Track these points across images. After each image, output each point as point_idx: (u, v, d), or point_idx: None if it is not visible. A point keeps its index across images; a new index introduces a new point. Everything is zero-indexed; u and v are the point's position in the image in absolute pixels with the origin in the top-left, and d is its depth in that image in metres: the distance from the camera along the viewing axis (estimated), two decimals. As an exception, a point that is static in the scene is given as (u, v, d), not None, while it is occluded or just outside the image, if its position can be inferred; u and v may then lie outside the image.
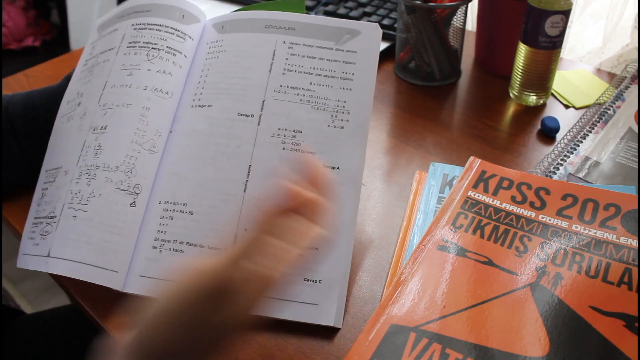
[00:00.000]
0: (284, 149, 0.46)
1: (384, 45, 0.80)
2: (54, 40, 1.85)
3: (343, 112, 0.48)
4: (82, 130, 0.49)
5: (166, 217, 0.46)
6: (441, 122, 0.66)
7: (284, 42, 0.50)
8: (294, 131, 0.47)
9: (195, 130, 0.48)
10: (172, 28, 0.52)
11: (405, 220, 0.51)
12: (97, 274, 0.44)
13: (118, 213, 0.46)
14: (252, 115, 0.48)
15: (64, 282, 0.48)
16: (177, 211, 0.46)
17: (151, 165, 0.47)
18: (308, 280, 0.43)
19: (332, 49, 0.50)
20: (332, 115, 0.48)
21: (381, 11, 0.84)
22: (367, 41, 0.50)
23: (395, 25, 0.76)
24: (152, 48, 0.51)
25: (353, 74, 0.49)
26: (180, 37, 0.52)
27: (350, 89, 0.48)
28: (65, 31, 1.78)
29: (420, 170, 0.56)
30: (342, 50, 0.50)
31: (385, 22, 0.82)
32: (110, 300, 0.46)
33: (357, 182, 0.46)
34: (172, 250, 0.45)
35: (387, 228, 0.51)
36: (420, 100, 0.70)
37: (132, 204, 0.46)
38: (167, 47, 0.51)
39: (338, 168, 0.46)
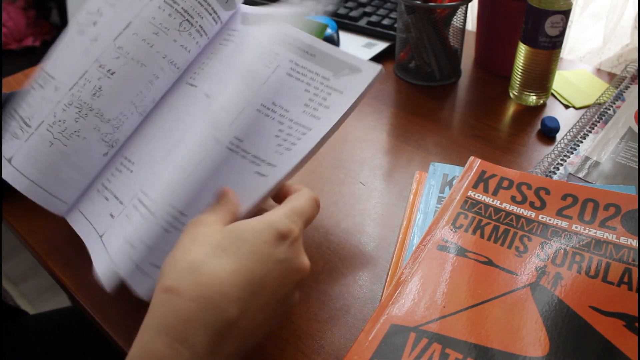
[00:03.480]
0: (227, 148, 0.45)
1: (384, 45, 0.80)
2: (54, 40, 1.85)
3: (294, 136, 0.45)
4: (88, 56, 0.47)
5: (117, 170, 0.47)
6: (441, 122, 0.66)
7: (290, 61, 0.49)
8: (239, 140, 0.45)
9: (175, 105, 0.48)
10: (212, 8, 0.50)
11: (405, 220, 0.51)
12: (48, 200, 0.47)
13: (91, 159, 0.47)
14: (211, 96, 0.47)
15: (64, 282, 0.48)
16: (125, 167, 0.47)
17: (133, 126, 0.48)
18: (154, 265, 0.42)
19: (328, 79, 0.48)
20: (284, 133, 0.45)
21: (381, 11, 0.84)
22: (360, 81, 0.46)
23: (395, 25, 0.76)
24: (187, 20, 0.48)
25: (328, 108, 0.46)
26: (215, 20, 0.51)
27: (319, 119, 0.45)
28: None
29: (420, 170, 0.56)
30: (333, 88, 0.47)
31: (385, 22, 0.82)
32: (111, 300, 0.46)
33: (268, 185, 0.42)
34: (104, 198, 0.47)
35: (387, 228, 0.51)
36: (420, 100, 0.70)
37: (105, 154, 0.47)
38: (199, 25, 0.49)
39: (261, 161, 0.43)
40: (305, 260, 0.36)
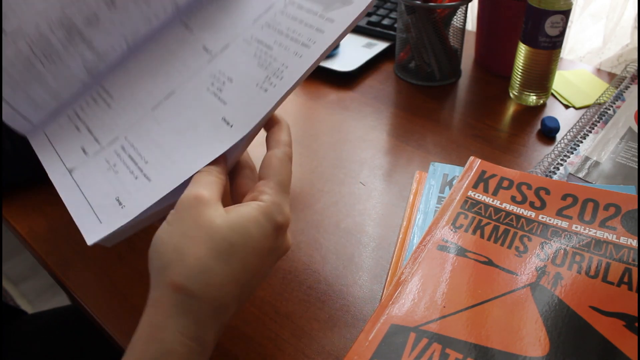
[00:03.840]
0: (207, 89, 0.43)
1: (384, 45, 0.80)
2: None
3: (277, 77, 0.42)
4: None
5: (92, 99, 0.45)
6: (441, 122, 0.66)
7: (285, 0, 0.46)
8: (227, 79, 0.43)
9: (167, 47, 0.47)
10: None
11: (405, 220, 0.51)
12: (11, 116, 0.45)
13: (67, 84, 0.45)
14: (211, 52, 0.45)
15: (64, 282, 0.48)
16: (102, 98, 0.45)
17: (118, 60, 0.47)
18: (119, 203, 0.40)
19: (316, 14, 0.44)
20: (266, 77, 0.42)
21: (381, 11, 0.84)
22: (351, 11, 0.43)
23: (395, 25, 0.76)
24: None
25: (314, 43, 0.42)
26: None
27: (301, 56, 0.42)
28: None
29: (420, 170, 0.56)
30: (323, 18, 0.44)
31: (385, 22, 0.82)
32: (111, 300, 0.46)
33: (233, 139, 0.40)
34: (75, 127, 0.44)
35: (387, 228, 0.51)
36: (420, 100, 0.70)
37: (83, 82, 0.46)
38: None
39: (230, 125, 0.41)
40: (288, 241, 0.37)
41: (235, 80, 0.42)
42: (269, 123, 0.40)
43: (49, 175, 0.42)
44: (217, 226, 0.32)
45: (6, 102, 0.44)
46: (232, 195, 0.39)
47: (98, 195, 0.40)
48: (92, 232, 0.38)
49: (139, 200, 0.38)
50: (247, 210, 0.34)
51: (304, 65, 0.40)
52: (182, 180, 0.37)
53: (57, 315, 0.73)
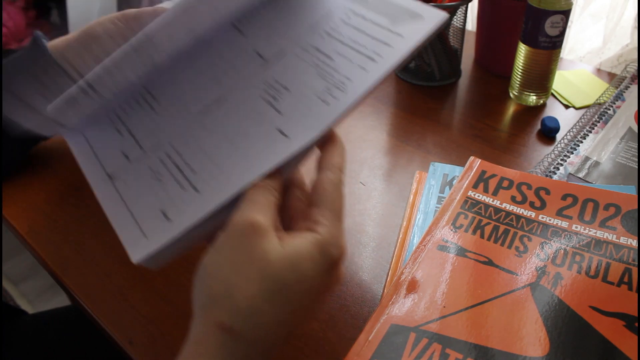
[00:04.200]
0: (261, 97, 0.40)
1: (384, 45, 0.80)
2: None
3: (339, 89, 0.39)
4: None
5: (136, 102, 0.42)
6: (441, 122, 0.66)
7: (346, 7, 0.44)
8: (283, 87, 0.41)
9: (219, 52, 0.45)
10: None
11: (405, 220, 0.51)
12: (44, 125, 0.42)
13: (115, 81, 0.42)
14: (265, 58, 0.43)
15: (64, 282, 0.48)
16: (147, 102, 0.42)
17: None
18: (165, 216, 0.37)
19: (383, 27, 0.42)
20: (327, 88, 0.40)
21: (381, 11, 0.84)
22: (421, 27, 0.41)
23: (395, 25, 0.76)
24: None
25: (381, 57, 0.41)
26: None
27: (366, 70, 0.40)
28: (65, 31, 1.78)
29: (420, 170, 0.56)
30: (390, 31, 0.42)
31: (385, 22, 0.82)
32: (111, 300, 0.46)
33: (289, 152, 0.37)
34: (117, 131, 0.42)
35: (387, 228, 0.51)
36: (420, 100, 0.70)
37: (131, 81, 0.43)
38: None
39: (287, 136, 0.38)
40: (342, 275, 0.34)
41: (292, 90, 0.40)
42: (324, 141, 0.37)
43: (88, 181, 0.39)
44: (271, 263, 0.30)
45: (37, 112, 0.41)
46: (280, 214, 0.35)
47: (142, 207, 0.37)
48: (138, 248, 0.35)
49: (188, 213, 0.35)
50: (302, 245, 0.31)
51: (370, 80, 0.38)
52: (234, 193, 0.34)
53: (57, 315, 0.73)
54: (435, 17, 0.41)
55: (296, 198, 0.36)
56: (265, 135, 0.38)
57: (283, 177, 0.36)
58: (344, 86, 0.39)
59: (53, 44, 0.53)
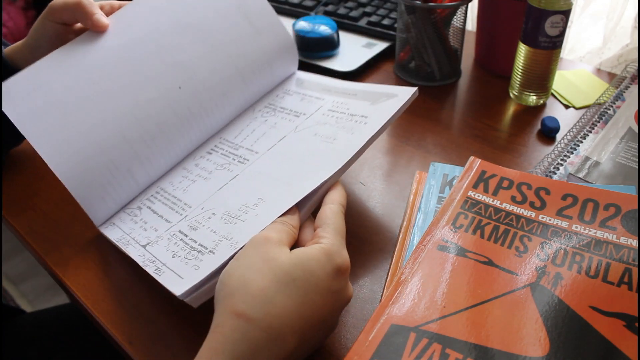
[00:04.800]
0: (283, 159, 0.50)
1: (384, 45, 0.80)
2: (54, 40, 1.84)
3: (338, 151, 0.48)
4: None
5: (154, 197, 0.51)
6: (441, 122, 0.66)
7: (333, 102, 0.56)
8: (295, 155, 0.50)
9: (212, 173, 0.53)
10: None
11: (405, 220, 0.51)
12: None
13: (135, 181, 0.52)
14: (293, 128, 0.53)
15: (64, 282, 0.48)
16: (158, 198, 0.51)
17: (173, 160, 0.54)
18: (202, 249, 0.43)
19: (366, 105, 0.54)
20: (328, 148, 0.50)
21: (381, 11, 0.84)
22: (398, 100, 0.52)
23: (395, 25, 0.76)
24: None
25: (367, 118, 0.52)
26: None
27: (352, 132, 0.50)
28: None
29: (420, 170, 0.56)
30: (373, 105, 0.53)
31: (385, 22, 0.82)
32: (111, 299, 0.46)
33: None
34: (132, 219, 0.49)
35: (387, 228, 0.51)
36: (420, 100, 0.70)
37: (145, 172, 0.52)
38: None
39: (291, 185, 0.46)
40: (351, 290, 0.39)
41: (299, 156, 0.50)
42: (329, 188, 0.44)
43: (131, 255, 0.45)
44: (281, 261, 0.35)
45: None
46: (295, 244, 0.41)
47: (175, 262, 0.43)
48: (176, 285, 0.40)
49: (201, 269, 0.41)
50: (309, 250, 0.36)
51: (361, 140, 0.48)
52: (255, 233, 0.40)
53: (56, 314, 0.73)
54: (408, 92, 0.52)
55: (306, 228, 0.42)
56: (279, 190, 0.46)
57: (300, 214, 0.42)
58: (340, 146, 0.48)
59: (7, 52, 0.56)
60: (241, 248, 0.38)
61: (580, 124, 0.61)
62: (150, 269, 0.42)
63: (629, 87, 0.65)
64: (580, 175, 0.54)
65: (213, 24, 0.56)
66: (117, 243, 0.47)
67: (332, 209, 0.41)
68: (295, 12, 0.88)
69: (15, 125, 0.46)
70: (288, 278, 0.34)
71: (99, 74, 0.50)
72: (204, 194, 0.49)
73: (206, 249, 0.43)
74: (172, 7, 0.54)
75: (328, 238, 0.38)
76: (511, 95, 0.70)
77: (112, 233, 0.48)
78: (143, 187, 0.52)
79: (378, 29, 0.81)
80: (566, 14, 0.61)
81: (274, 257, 0.35)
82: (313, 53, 0.76)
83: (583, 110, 0.66)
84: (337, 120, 0.53)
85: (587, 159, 0.56)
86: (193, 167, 0.53)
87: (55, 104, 0.48)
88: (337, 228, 0.39)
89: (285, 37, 0.60)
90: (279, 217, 0.41)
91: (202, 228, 0.45)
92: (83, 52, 0.50)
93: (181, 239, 0.45)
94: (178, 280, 0.40)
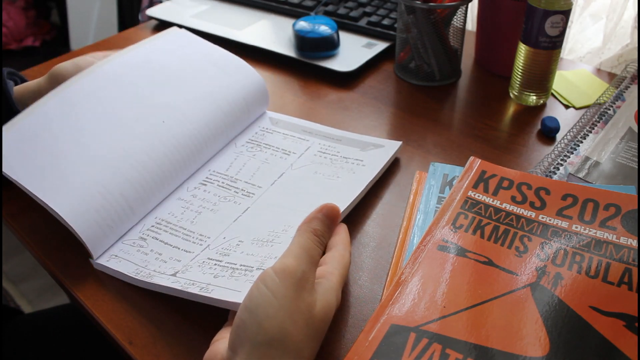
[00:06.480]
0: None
1: (384, 45, 0.80)
2: (54, 40, 1.85)
3: (337, 189, 0.53)
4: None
5: (152, 230, 0.51)
6: (441, 122, 0.66)
7: (320, 144, 0.60)
8: (301, 191, 0.54)
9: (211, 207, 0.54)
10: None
11: (405, 220, 0.51)
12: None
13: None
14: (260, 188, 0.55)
15: (64, 282, 0.48)
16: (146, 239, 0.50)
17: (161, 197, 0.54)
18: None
19: (357, 150, 0.59)
20: (329, 186, 0.54)
21: (381, 11, 0.84)
22: (386, 151, 0.58)
23: (395, 25, 0.76)
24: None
25: (363, 161, 0.57)
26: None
27: (354, 172, 0.55)
28: (65, 31, 1.78)
29: (420, 170, 0.56)
30: (364, 152, 0.58)
31: (385, 22, 0.82)
32: (110, 299, 0.46)
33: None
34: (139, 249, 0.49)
35: (387, 228, 0.51)
36: (420, 100, 0.70)
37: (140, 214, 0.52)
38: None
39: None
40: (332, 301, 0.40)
41: (305, 192, 0.54)
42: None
43: (158, 285, 0.45)
44: (314, 315, 0.37)
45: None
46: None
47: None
48: (235, 297, 0.41)
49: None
50: (331, 299, 0.39)
51: (362, 184, 0.53)
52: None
53: (56, 314, 0.73)
54: (394, 146, 0.59)
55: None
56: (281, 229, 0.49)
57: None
58: (347, 183, 0.54)
59: (19, 90, 0.57)
60: None
61: (580, 124, 0.61)
62: (194, 290, 0.42)
63: (629, 87, 0.65)
64: (580, 175, 0.54)
65: (186, 69, 0.60)
66: (135, 276, 0.45)
67: (340, 252, 0.43)
68: (295, 12, 0.88)
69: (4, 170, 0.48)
70: (319, 333, 0.37)
71: (89, 117, 0.53)
72: (218, 225, 0.50)
73: (252, 267, 0.44)
74: (149, 59, 0.60)
75: (335, 275, 0.40)
76: (511, 95, 0.70)
77: (122, 266, 0.47)
78: (139, 216, 0.51)
79: (378, 29, 0.81)
80: (566, 14, 0.61)
81: (309, 308, 0.36)
82: (313, 53, 0.76)
83: (583, 110, 0.66)
84: (332, 161, 0.57)
85: (587, 159, 0.56)
86: (190, 197, 0.54)
87: (46, 149, 0.50)
88: (342, 274, 0.42)
89: (255, 76, 0.64)
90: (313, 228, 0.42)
91: (235, 253, 0.46)
92: (71, 100, 0.53)
93: (216, 264, 0.45)
94: (235, 293, 0.41)
